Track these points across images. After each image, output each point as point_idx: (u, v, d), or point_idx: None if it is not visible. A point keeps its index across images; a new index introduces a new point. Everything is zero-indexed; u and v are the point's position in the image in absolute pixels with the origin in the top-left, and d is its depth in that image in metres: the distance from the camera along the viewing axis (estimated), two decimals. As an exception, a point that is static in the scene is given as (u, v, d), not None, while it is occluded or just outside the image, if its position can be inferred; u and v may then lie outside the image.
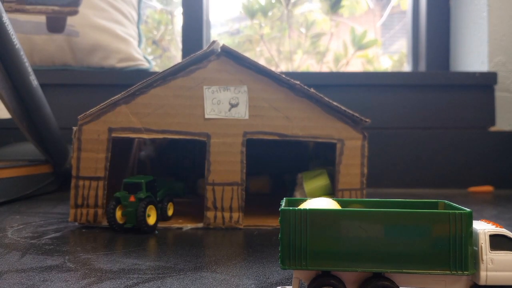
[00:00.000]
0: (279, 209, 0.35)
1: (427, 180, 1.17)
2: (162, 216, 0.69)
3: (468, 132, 1.18)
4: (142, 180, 0.64)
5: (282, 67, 1.56)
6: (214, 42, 0.68)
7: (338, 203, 0.38)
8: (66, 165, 1.04)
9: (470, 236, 0.33)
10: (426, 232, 0.33)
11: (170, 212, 0.72)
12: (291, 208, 0.34)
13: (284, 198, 0.39)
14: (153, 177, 0.67)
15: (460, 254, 0.33)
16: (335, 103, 0.68)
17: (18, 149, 1.06)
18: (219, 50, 0.68)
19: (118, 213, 0.63)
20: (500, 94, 1.19)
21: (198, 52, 0.67)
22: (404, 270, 0.33)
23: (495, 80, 1.17)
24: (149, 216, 0.63)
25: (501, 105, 1.19)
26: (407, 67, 1.48)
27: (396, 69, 1.56)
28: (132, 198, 0.63)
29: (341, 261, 0.34)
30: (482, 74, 1.17)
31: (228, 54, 0.68)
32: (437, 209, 0.39)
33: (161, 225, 0.68)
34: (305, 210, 0.34)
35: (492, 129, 1.19)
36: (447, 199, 0.41)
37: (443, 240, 0.33)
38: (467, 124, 1.19)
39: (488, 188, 1.14)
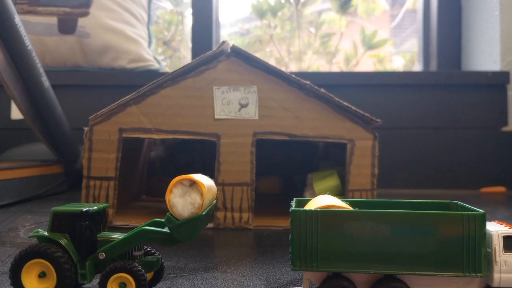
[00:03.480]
0: (290, 210, 0.35)
1: (438, 181, 1.16)
2: None
3: (480, 132, 1.17)
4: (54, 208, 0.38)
5: (292, 67, 1.55)
6: (224, 42, 0.68)
7: (349, 204, 0.37)
8: (77, 165, 1.05)
9: (484, 238, 0.33)
10: (439, 234, 0.33)
11: None
12: (301, 209, 0.34)
13: (294, 199, 0.39)
14: (102, 208, 0.39)
15: (473, 256, 0.32)
16: (345, 103, 0.68)
17: (30, 150, 1.07)
18: (229, 50, 0.68)
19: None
20: (513, 93, 1.17)
21: (208, 53, 0.67)
22: (417, 272, 0.33)
23: (508, 80, 1.15)
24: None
25: (514, 104, 1.17)
26: (418, 67, 1.47)
27: (407, 69, 1.54)
28: None
29: (352, 263, 0.33)
30: (494, 74, 1.15)
31: (238, 54, 0.68)
32: (450, 210, 0.38)
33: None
34: (316, 211, 0.34)
35: (505, 129, 1.17)
36: (459, 199, 0.40)
37: (456, 241, 0.33)
38: (479, 124, 1.18)
39: (500, 189, 1.12)
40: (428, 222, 0.33)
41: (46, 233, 0.37)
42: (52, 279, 0.36)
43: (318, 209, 0.34)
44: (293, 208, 0.34)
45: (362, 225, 0.33)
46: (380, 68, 1.53)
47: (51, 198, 0.95)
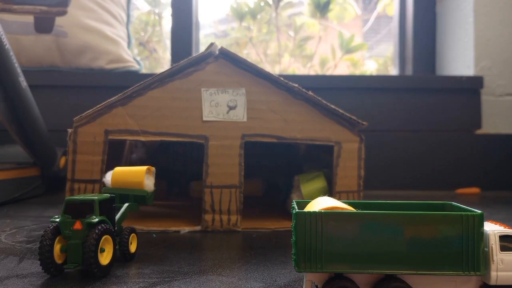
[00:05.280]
0: (293, 212, 0.35)
1: (415, 182, 1.19)
2: (122, 253, 0.50)
3: (455, 135, 1.20)
4: (95, 198, 0.45)
5: (268, 70, 1.56)
6: (212, 44, 0.68)
7: (351, 205, 0.38)
8: (54, 168, 1.02)
9: (482, 237, 0.34)
10: (439, 234, 0.34)
11: (133, 248, 0.51)
12: (306, 211, 0.34)
13: (294, 201, 0.39)
14: (111, 195, 0.48)
15: (472, 255, 0.33)
16: (332, 106, 0.69)
17: (5, 152, 1.04)
18: (217, 52, 0.68)
19: (57, 248, 0.43)
20: (486, 98, 1.21)
21: (196, 54, 0.67)
22: (418, 272, 0.34)
23: (481, 84, 1.19)
24: (102, 251, 0.44)
25: (486, 108, 1.21)
26: (391, 71, 1.50)
27: (380, 73, 1.57)
28: (77, 225, 0.44)
29: (356, 263, 0.34)
30: (468, 78, 1.19)
31: (226, 56, 0.68)
32: (445, 211, 0.39)
33: (157, 228, 0.67)
34: (320, 212, 0.34)
35: (478, 132, 1.21)
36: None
37: (456, 241, 0.34)
38: (454, 127, 1.21)
39: (475, 190, 1.16)
40: (429, 223, 0.34)
41: (99, 217, 0.45)
42: (108, 252, 0.45)
43: (323, 211, 0.34)
44: (297, 210, 0.34)
45: (366, 226, 0.34)
46: (354, 71, 1.55)
47: (27, 202, 0.93)
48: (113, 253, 0.46)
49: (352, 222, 0.34)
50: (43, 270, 0.43)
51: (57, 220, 0.44)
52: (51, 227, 0.44)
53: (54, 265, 0.43)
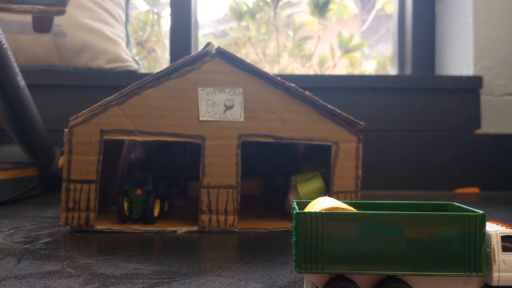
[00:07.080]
0: (294, 212, 0.34)
1: (414, 182, 1.19)
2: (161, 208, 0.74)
3: (454, 135, 1.20)
4: (149, 175, 0.71)
5: (267, 69, 1.56)
6: (209, 43, 0.67)
7: (352, 206, 0.37)
8: (52, 167, 1.01)
9: (484, 238, 0.33)
10: (441, 234, 0.33)
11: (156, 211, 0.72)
12: (307, 211, 0.34)
13: (294, 201, 0.39)
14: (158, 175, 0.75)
15: (474, 256, 0.33)
16: (330, 106, 0.68)
17: (3, 152, 1.03)
18: (214, 51, 0.67)
19: (125, 205, 0.68)
20: (485, 97, 1.21)
21: (193, 54, 0.66)
22: (419, 272, 0.33)
23: (481, 84, 1.19)
24: (154, 207, 0.70)
25: (486, 108, 1.21)
26: (390, 70, 1.49)
27: (379, 72, 1.57)
28: (138, 191, 0.68)
29: (357, 264, 0.33)
30: (468, 78, 1.19)
31: (223, 55, 0.67)
32: (446, 211, 0.39)
33: (154, 228, 0.66)
34: (321, 213, 0.33)
35: (478, 131, 1.21)
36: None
37: (457, 242, 0.33)
38: (453, 127, 1.21)
39: (474, 190, 1.16)
40: (431, 223, 0.33)
41: (152, 187, 0.69)
42: (156, 208, 0.70)
43: (323, 211, 0.34)
44: (298, 211, 0.34)
45: (367, 226, 0.33)
46: (352, 71, 1.55)
47: (25, 202, 0.92)
48: (159, 210, 0.71)
49: (353, 223, 0.33)
50: (119, 218, 0.68)
51: (126, 187, 0.69)
52: (122, 193, 0.68)
53: (124, 214, 0.68)
